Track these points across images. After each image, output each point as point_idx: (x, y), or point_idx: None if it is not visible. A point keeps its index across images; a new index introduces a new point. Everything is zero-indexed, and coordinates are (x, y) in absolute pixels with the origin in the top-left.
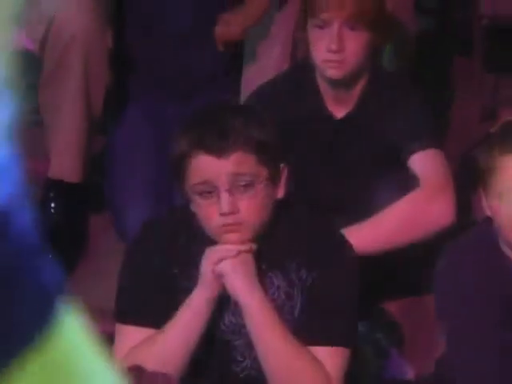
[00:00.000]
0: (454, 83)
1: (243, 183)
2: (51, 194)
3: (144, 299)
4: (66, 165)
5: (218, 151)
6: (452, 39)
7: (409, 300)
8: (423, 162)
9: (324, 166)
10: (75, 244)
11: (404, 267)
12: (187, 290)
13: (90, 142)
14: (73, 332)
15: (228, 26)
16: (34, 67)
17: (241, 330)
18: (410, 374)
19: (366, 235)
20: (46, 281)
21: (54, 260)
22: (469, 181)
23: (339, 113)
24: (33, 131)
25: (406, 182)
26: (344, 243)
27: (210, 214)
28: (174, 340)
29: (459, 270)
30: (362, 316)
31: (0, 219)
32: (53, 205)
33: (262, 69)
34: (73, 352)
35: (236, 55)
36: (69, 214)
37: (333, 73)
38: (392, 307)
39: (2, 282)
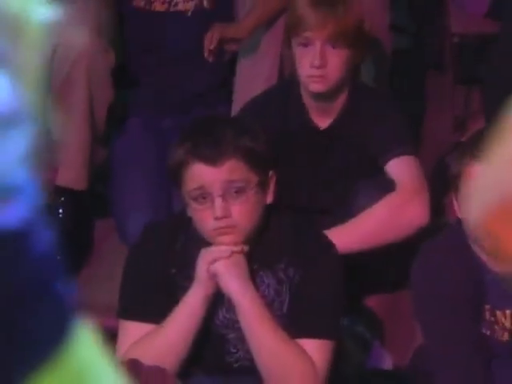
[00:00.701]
0: (428, 96)
1: (235, 189)
2: (59, 201)
3: (145, 297)
4: (72, 174)
5: (213, 160)
6: (425, 55)
7: (387, 295)
8: (399, 168)
9: (311, 173)
10: (81, 246)
11: (383, 265)
12: (184, 289)
13: (94, 154)
14: (87, 347)
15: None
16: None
17: (234, 324)
18: (389, 364)
19: (347, 236)
20: (62, 298)
21: (69, 277)
22: (442, 185)
23: (323, 124)
24: None
25: (385, 186)
26: (327, 244)
27: (205, 217)
28: (173, 334)
29: (435, 269)
30: (344, 311)
31: (20, 240)
32: (61, 210)
33: (253, 83)
34: (87, 366)
35: (230, 72)
36: (75, 219)
37: (316, 87)
38: (372, 302)
39: (22, 299)
